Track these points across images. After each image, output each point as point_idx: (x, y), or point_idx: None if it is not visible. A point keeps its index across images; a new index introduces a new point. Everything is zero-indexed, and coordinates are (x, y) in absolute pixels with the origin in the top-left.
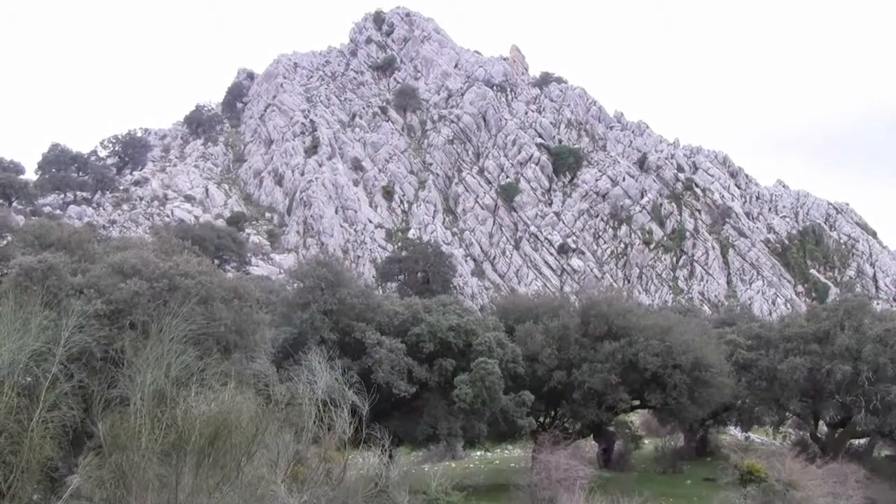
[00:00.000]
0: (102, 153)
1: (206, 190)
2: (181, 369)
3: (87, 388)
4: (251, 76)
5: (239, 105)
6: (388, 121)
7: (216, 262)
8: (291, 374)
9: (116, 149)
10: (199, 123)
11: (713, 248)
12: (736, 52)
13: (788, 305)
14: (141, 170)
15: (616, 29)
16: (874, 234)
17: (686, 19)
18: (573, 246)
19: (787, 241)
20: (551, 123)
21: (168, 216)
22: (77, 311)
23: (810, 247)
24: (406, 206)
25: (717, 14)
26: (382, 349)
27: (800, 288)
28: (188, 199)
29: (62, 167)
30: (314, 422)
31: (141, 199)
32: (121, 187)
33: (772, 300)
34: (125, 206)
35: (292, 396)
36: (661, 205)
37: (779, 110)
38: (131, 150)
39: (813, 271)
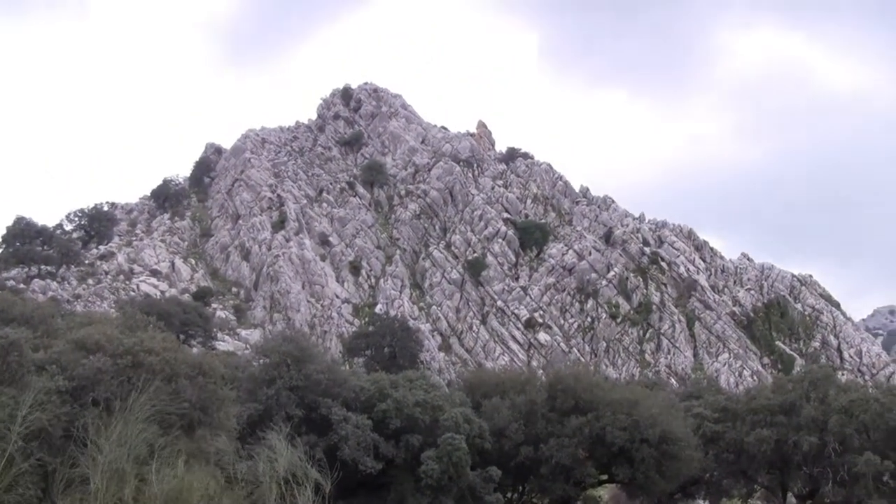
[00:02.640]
0: (68, 227)
1: (173, 264)
2: (143, 447)
3: (46, 466)
4: (219, 151)
5: (206, 179)
6: (355, 196)
7: (182, 337)
8: (255, 451)
9: (82, 223)
10: (166, 198)
11: (679, 321)
12: (697, 131)
13: (755, 377)
14: (107, 244)
15: (581, 104)
16: (838, 306)
17: (652, 98)
18: (540, 320)
19: (752, 314)
20: (518, 198)
21: (134, 291)
22: (35, 388)
23: (775, 319)
24: (373, 281)
25: (687, 93)
26: (348, 425)
27: (766, 360)
28: (154, 273)
29: (27, 241)
30: (276, 501)
31: (106, 273)
32: (86, 261)
33: (738, 372)
34: (90, 281)
35: (255, 475)
36: (627, 279)
37: (742, 183)
38: (97, 224)
39: (779, 343)
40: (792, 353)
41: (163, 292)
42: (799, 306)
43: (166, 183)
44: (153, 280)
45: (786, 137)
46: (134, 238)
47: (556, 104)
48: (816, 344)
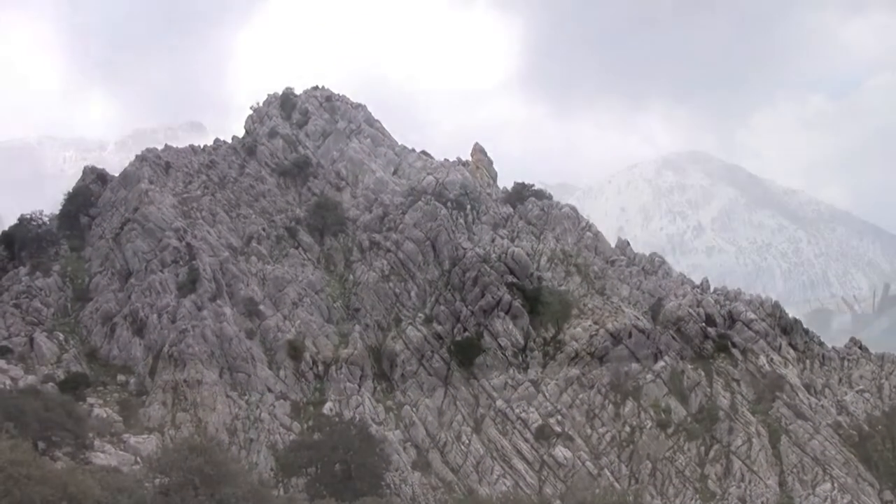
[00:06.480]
0: None
1: (31, 340)
2: None
3: None
4: (102, 178)
5: (84, 219)
6: (297, 247)
7: (41, 445)
8: None
9: None
10: (22, 244)
11: (758, 434)
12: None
13: None
14: None
15: (609, 122)
16: None
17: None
18: (558, 429)
19: (866, 426)
20: (528, 255)
21: None
22: None
23: None
24: (321, 368)
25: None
26: None
27: (888, 494)
28: (2, 352)
29: None
30: None
31: None
32: None
33: None
34: None
35: None
36: (682, 372)
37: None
38: None
39: None
40: None
41: (14, 380)
42: None
43: (23, 222)
44: (0, 362)
45: None
46: None
47: (579, 122)
48: None
